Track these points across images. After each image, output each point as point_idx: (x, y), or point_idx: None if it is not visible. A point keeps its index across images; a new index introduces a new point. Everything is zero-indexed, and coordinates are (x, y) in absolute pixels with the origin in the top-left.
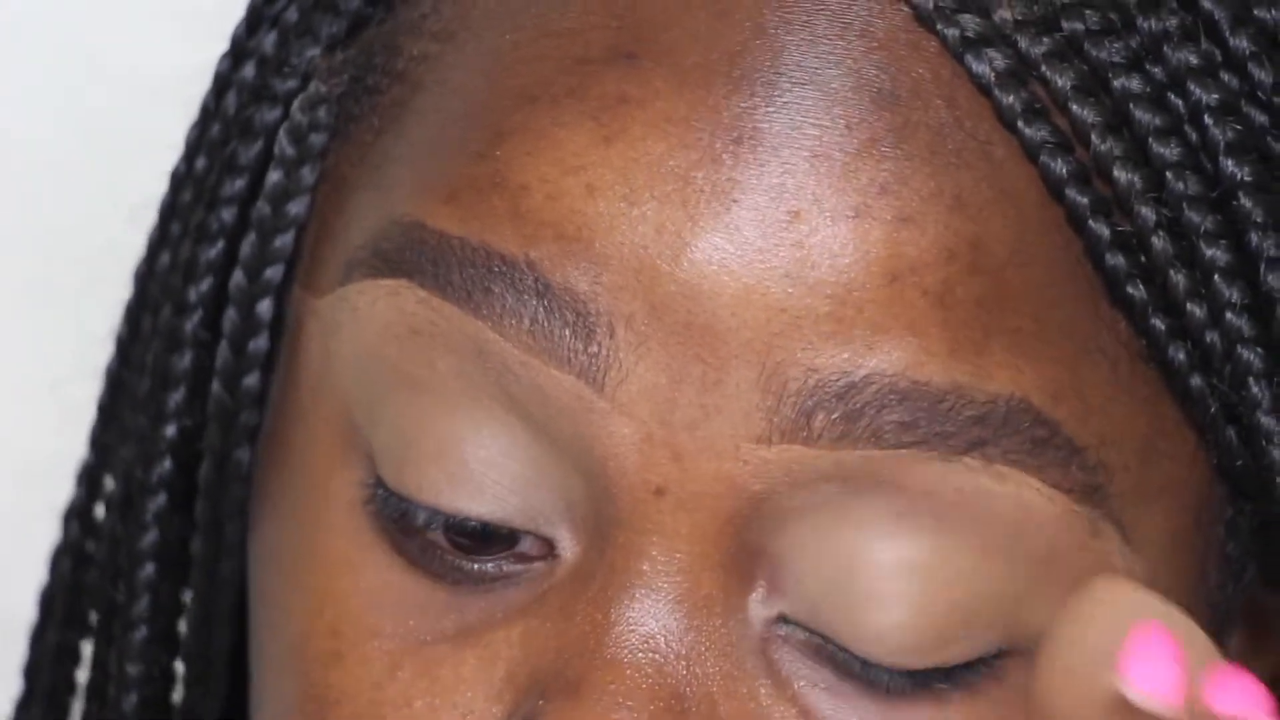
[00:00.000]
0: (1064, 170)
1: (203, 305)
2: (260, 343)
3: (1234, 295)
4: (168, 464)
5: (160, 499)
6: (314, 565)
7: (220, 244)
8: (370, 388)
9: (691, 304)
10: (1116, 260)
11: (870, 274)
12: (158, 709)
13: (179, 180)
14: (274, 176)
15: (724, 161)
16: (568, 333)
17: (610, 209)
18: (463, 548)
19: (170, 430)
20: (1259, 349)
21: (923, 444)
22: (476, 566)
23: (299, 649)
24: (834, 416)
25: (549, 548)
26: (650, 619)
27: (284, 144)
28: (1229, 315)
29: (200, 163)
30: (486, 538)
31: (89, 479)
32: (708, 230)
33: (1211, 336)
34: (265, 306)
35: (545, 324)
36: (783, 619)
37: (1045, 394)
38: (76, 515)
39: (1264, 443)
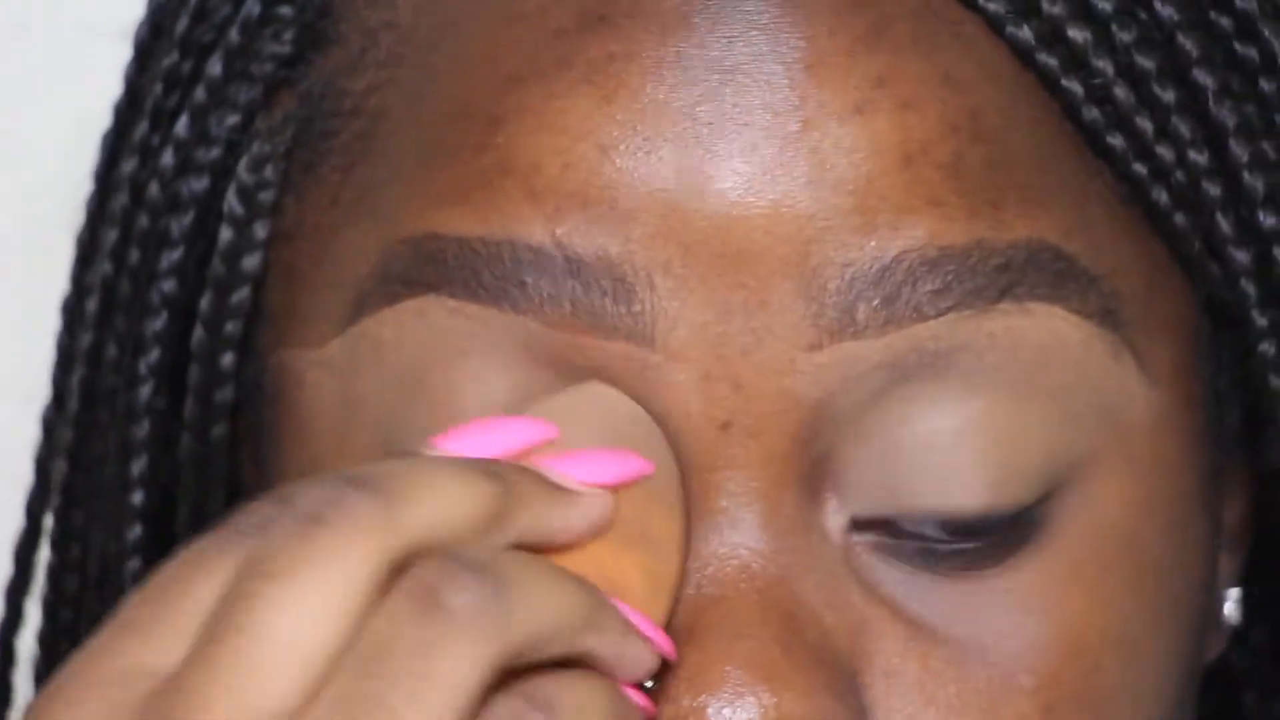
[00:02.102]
0: (1029, 37)
1: (154, 375)
2: (225, 394)
3: (1189, 131)
4: (139, 529)
5: (134, 563)
6: None
7: (164, 315)
8: (413, 413)
9: (724, 234)
10: (1092, 113)
11: (886, 162)
12: None
13: (91, 238)
14: (225, 235)
15: (725, 92)
16: (608, 301)
17: (627, 163)
18: None
19: (137, 497)
20: (1219, 180)
21: (959, 305)
22: None
23: None
24: (874, 304)
25: None
26: (740, 549)
27: (233, 204)
28: (1190, 152)
29: (114, 234)
30: None
31: (61, 548)
32: (726, 157)
33: (1179, 175)
34: (228, 360)
35: (585, 299)
36: (854, 525)
37: (1059, 232)
38: (52, 587)
39: (1237, 276)
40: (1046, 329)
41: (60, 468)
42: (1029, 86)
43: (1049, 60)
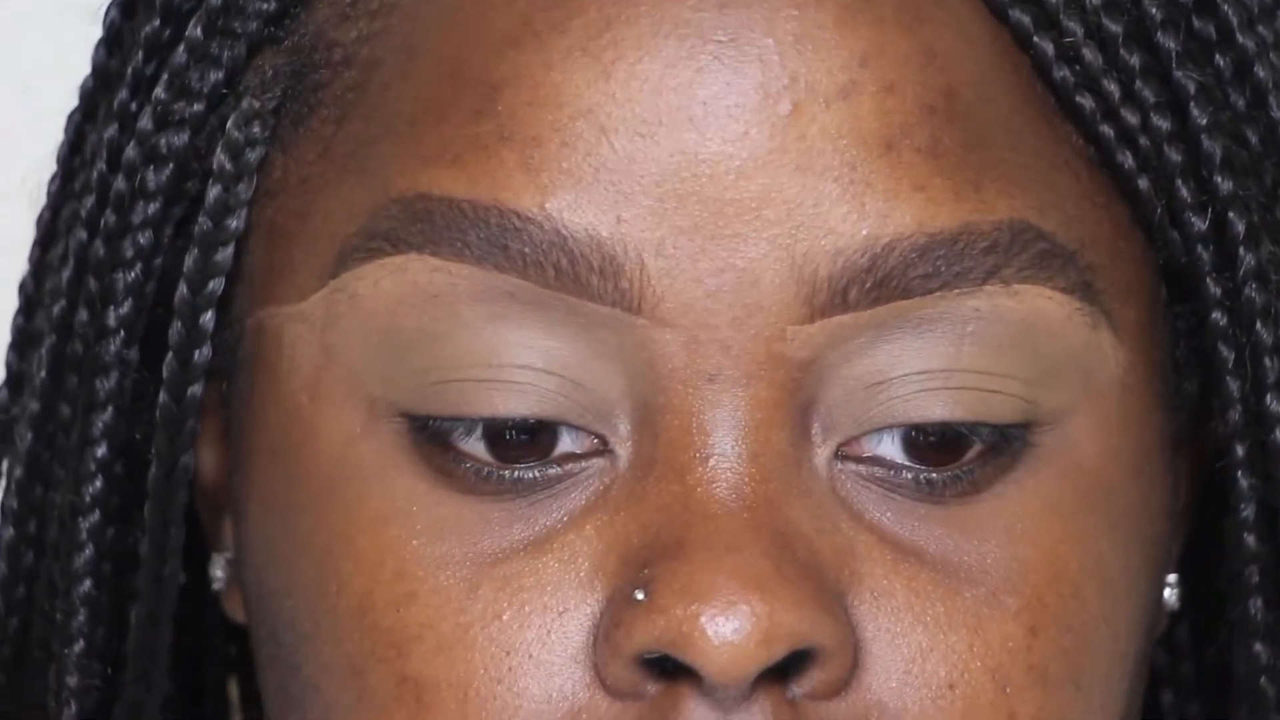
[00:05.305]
0: None
1: (124, 328)
2: (204, 353)
3: (1153, 95)
4: (99, 483)
5: (94, 517)
6: (360, 529)
7: (138, 267)
8: (387, 357)
9: (716, 217)
10: (1062, 72)
11: (869, 148)
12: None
13: (53, 217)
14: (214, 192)
15: (717, 69)
16: (594, 276)
17: (624, 146)
18: (510, 456)
19: (100, 451)
20: (1181, 145)
21: (946, 286)
22: (534, 474)
23: (362, 606)
24: (866, 286)
25: (601, 444)
26: (729, 473)
27: (222, 160)
28: (1154, 116)
29: (89, 201)
30: (533, 441)
31: (18, 522)
32: (719, 142)
33: (1144, 139)
34: (208, 318)
35: (570, 270)
36: (839, 455)
37: (1036, 211)
38: (9, 561)
39: (1193, 242)
40: (1031, 307)
41: (24, 437)
42: (1003, 50)
43: (1023, 17)
